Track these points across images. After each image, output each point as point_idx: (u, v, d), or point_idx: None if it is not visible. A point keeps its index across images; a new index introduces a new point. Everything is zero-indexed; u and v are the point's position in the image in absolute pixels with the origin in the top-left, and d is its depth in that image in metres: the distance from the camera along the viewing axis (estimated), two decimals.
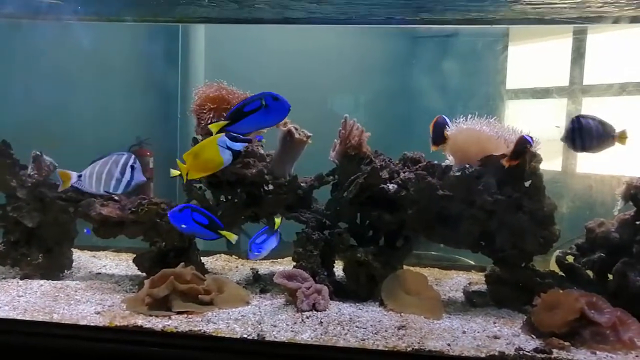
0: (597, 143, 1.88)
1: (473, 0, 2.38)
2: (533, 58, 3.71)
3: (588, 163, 3.28)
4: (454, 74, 3.64)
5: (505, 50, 3.65)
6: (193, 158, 1.83)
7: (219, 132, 1.83)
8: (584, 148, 1.91)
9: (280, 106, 1.82)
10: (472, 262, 2.77)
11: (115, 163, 1.85)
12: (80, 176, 1.87)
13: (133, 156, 1.86)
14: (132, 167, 1.85)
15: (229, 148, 1.80)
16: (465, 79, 3.66)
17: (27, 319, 1.74)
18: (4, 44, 3.26)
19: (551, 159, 3.22)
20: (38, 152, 2.24)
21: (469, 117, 2.08)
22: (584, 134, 1.88)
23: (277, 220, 2.03)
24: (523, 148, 1.90)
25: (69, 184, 1.89)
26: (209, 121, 2.07)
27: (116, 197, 2.11)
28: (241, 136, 1.83)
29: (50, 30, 3.16)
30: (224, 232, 1.93)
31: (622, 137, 1.87)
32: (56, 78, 3.41)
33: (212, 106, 2.09)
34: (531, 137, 1.92)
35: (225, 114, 2.06)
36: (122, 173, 1.84)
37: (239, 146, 1.82)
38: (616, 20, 2.45)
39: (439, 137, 2.04)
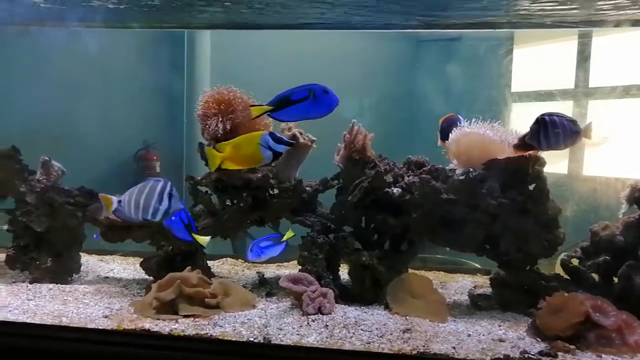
0: (564, 140, 1.88)
1: (477, 4, 2.39)
2: (538, 61, 3.71)
3: (595, 166, 3.27)
4: (458, 78, 3.65)
5: (510, 54, 3.65)
6: (232, 149, 1.81)
7: (260, 115, 1.81)
8: (550, 146, 1.90)
9: (329, 100, 1.78)
10: (478, 266, 2.77)
11: (152, 190, 1.83)
12: (120, 202, 1.85)
13: (169, 183, 1.83)
14: (170, 195, 1.82)
15: (270, 148, 1.79)
16: (469, 83, 3.67)
17: (37, 322, 1.76)
18: (12, 50, 3.31)
19: (557, 162, 3.21)
20: (47, 158, 2.26)
21: (473, 120, 2.09)
22: (549, 132, 1.87)
23: (289, 233, 2.04)
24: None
25: (110, 209, 1.86)
26: (215, 126, 2.08)
27: None
28: (284, 138, 1.81)
29: (58, 36, 3.20)
30: (196, 236, 1.95)
31: (587, 131, 1.87)
32: (64, 84, 3.45)
33: (215, 111, 2.10)
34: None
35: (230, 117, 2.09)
36: (160, 201, 1.82)
37: (280, 148, 1.80)
38: (620, 24, 2.45)
39: (447, 134, 2.05)
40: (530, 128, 1.90)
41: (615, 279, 1.91)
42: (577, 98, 3.34)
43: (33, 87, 3.34)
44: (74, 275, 2.35)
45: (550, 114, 1.88)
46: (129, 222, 1.96)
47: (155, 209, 1.82)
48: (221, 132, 2.09)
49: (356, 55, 4.10)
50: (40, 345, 1.74)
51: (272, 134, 1.81)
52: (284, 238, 2.14)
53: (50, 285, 2.17)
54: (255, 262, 2.36)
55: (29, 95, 3.30)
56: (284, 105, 1.78)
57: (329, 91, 1.77)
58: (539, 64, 3.72)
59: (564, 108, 3.44)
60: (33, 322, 1.76)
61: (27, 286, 2.16)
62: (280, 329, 1.72)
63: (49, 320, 1.77)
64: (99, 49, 3.38)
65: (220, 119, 2.09)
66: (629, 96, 2.96)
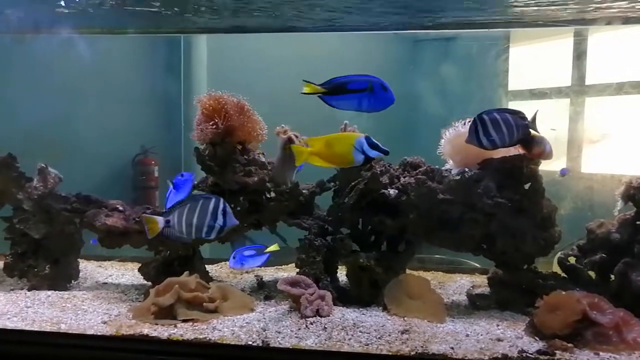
0: (509, 135, 1.84)
1: (473, 4, 2.40)
2: (534, 59, 3.72)
3: (593, 164, 3.28)
4: (455, 77, 3.65)
5: (506, 52, 3.66)
6: (324, 145, 1.78)
7: (311, 93, 1.75)
8: (494, 144, 1.85)
9: (386, 97, 1.74)
10: (477, 265, 2.77)
11: (204, 209, 1.77)
12: (168, 222, 1.77)
13: (222, 200, 1.78)
14: (224, 212, 1.77)
15: (364, 152, 1.74)
16: (466, 82, 3.68)
17: (36, 329, 1.77)
18: (8, 56, 3.31)
19: (555, 160, 3.22)
20: (43, 165, 2.27)
21: (469, 120, 2.09)
22: (489, 130, 1.83)
23: (275, 246, 2.04)
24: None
25: (156, 231, 1.78)
26: (212, 127, 2.08)
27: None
28: (381, 145, 1.76)
29: (54, 43, 3.21)
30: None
31: (533, 122, 1.86)
32: (60, 90, 3.45)
33: (209, 114, 2.10)
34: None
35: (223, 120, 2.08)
36: (215, 219, 1.76)
37: (374, 154, 1.75)
38: (609, 22, 2.46)
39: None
40: (469, 128, 1.87)
41: (612, 277, 1.91)
42: (573, 96, 3.35)
43: (29, 93, 3.34)
44: (72, 282, 2.35)
45: (489, 112, 1.84)
46: (181, 241, 1.89)
47: (210, 227, 1.77)
48: (210, 135, 2.09)
49: (352, 57, 4.10)
50: (39, 352, 1.75)
51: (368, 138, 1.75)
52: (267, 250, 2.16)
53: (49, 292, 2.18)
54: (236, 270, 2.36)
55: (26, 102, 3.31)
56: (339, 91, 1.73)
57: (388, 88, 1.73)
58: (535, 62, 3.72)
59: (560, 106, 3.45)
60: (32, 329, 1.77)
61: (25, 293, 2.16)
62: (279, 332, 1.72)
63: (47, 327, 1.77)
64: (96, 55, 3.39)
65: (214, 122, 2.08)
66: (623, 93, 2.97)
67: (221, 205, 1.77)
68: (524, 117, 1.85)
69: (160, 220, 1.77)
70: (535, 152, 1.93)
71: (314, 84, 1.75)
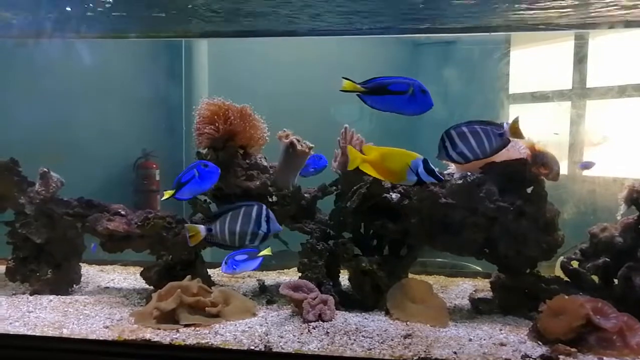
0: (481, 147, 1.78)
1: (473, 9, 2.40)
2: (535, 62, 3.72)
3: (595, 166, 3.27)
4: (456, 81, 3.66)
5: (507, 56, 3.66)
6: (379, 156, 1.76)
7: (349, 91, 1.73)
8: (466, 157, 1.80)
9: (425, 101, 1.70)
10: (480, 269, 2.77)
11: (247, 216, 1.76)
12: (210, 230, 1.77)
13: (264, 206, 1.77)
14: (268, 218, 1.76)
15: (417, 174, 1.71)
16: (467, 85, 3.68)
17: (38, 334, 1.76)
18: (10, 60, 3.32)
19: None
20: (45, 169, 2.27)
21: None
22: (458, 145, 1.78)
23: (267, 251, 2.04)
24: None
25: (199, 239, 1.78)
26: (206, 130, 2.08)
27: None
28: (437, 171, 1.73)
29: (56, 48, 3.21)
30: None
31: (513, 128, 1.77)
32: (63, 95, 3.46)
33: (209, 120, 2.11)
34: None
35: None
36: (258, 226, 1.75)
37: (427, 179, 1.72)
38: (611, 26, 2.46)
39: None
40: (438, 145, 1.83)
41: (615, 281, 1.91)
42: (574, 99, 3.35)
43: (32, 98, 3.35)
44: (75, 286, 2.35)
45: (457, 125, 1.79)
46: (224, 248, 1.88)
47: (254, 234, 1.76)
48: (208, 138, 2.08)
49: (353, 61, 4.10)
50: (42, 357, 1.75)
51: (425, 162, 1.72)
52: (261, 254, 2.15)
53: (51, 297, 2.18)
54: (228, 274, 2.35)
55: (28, 106, 3.31)
56: (379, 92, 1.71)
57: (427, 92, 1.70)
58: (536, 66, 3.72)
59: (562, 109, 3.45)
60: (34, 334, 1.76)
61: (27, 298, 2.16)
62: (281, 337, 1.72)
63: (49, 332, 1.77)
64: (97, 59, 3.40)
65: (214, 126, 2.09)
66: (625, 96, 2.96)
67: (264, 212, 1.76)
68: (498, 128, 1.79)
69: (202, 228, 1.77)
70: (542, 171, 1.92)
71: (354, 82, 1.73)
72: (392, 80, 1.71)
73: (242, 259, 1.98)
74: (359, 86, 1.71)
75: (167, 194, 1.89)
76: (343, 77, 1.73)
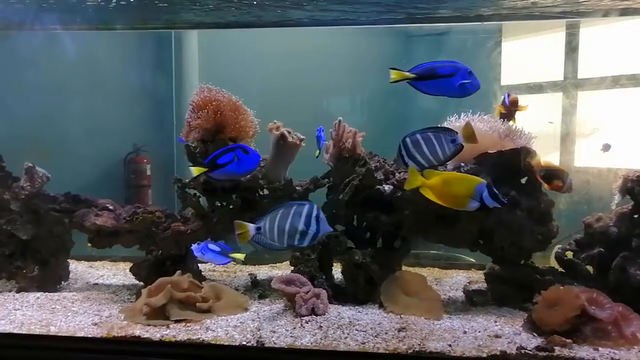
0: (433, 155, 1.81)
1: None
2: (527, 53, 3.70)
3: (586, 157, 3.27)
4: None
5: (498, 47, 3.64)
6: (441, 181, 1.74)
7: (399, 80, 1.74)
8: (421, 164, 1.83)
9: (472, 82, 1.73)
10: (473, 260, 2.76)
11: (297, 215, 1.71)
12: (259, 229, 1.73)
13: (315, 206, 1.73)
14: (318, 218, 1.71)
15: (481, 200, 1.70)
16: None
17: (24, 332, 1.73)
18: None
19: (548, 154, 3.21)
20: (30, 164, 2.22)
21: (463, 114, 2.07)
22: (411, 152, 1.82)
23: (239, 256, 2.01)
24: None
25: (248, 237, 1.74)
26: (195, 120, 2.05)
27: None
28: (500, 196, 1.72)
29: (40, 39, 3.15)
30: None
31: (466, 134, 1.78)
32: (48, 88, 3.39)
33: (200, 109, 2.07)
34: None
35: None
36: (307, 225, 1.70)
37: (491, 203, 1.71)
38: (607, 14, 2.44)
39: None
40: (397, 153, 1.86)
41: (610, 271, 1.90)
42: (566, 89, 3.34)
43: (15, 91, 3.28)
44: (62, 283, 2.31)
45: (412, 133, 1.82)
46: (272, 248, 1.82)
47: (303, 233, 1.71)
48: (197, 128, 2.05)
49: (345, 53, 4.07)
50: (28, 356, 1.71)
51: (489, 187, 1.71)
52: (232, 255, 2.15)
53: (38, 294, 2.13)
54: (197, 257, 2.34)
55: (11, 100, 3.24)
56: (428, 76, 1.73)
57: (473, 74, 1.73)
58: (527, 57, 3.71)
59: (554, 100, 3.44)
60: (20, 332, 1.73)
61: (13, 295, 2.12)
62: (274, 332, 1.69)
63: (36, 330, 1.73)
64: (84, 51, 3.34)
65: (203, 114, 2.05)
66: (618, 86, 2.96)
67: (314, 212, 1.71)
68: (451, 134, 1.81)
69: (251, 227, 1.73)
70: (554, 184, 1.91)
71: (401, 71, 1.75)
72: (439, 63, 1.75)
73: (214, 250, 1.96)
74: (407, 73, 1.74)
75: (197, 171, 1.88)
76: (390, 68, 1.76)
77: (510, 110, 2.05)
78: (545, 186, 1.92)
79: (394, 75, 1.75)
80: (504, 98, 2.02)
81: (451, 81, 1.73)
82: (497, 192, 1.71)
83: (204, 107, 2.08)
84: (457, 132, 1.80)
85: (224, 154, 1.87)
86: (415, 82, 1.75)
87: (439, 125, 1.86)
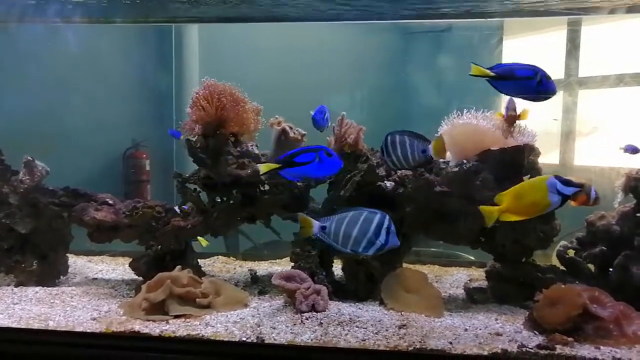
0: (405, 158, 1.83)
1: None
2: (528, 51, 3.69)
3: (586, 156, 3.27)
4: (448, 69, 3.62)
5: (500, 44, 3.63)
6: (513, 199, 1.69)
7: (478, 76, 1.74)
8: (394, 164, 1.86)
9: (549, 87, 1.73)
10: (473, 258, 2.75)
11: (368, 222, 1.65)
12: (324, 228, 1.68)
13: (388, 216, 1.68)
14: (388, 230, 1.66)
15: (559, 192, 1.64)
16: (460, 74, 3.64)
17: (23, 326, 1.71)
18: None
19: (549, 152, 3.20)
20: (30, 158, 2.21)
21: (465, 111, 2.06)
22: (389, 149, 1.84)
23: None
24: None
25: (310, 234, 1.71)
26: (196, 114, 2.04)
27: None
28: (573, 180, 1.68)
29: (40, 33, 3.13)
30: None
31: (436, 148, 1.80)
32: (47, 81, 3.37)
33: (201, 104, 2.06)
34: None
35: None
36: (377, 235, 1.65)
37: (570, 190, 1.65)
38: (611, 11, 2.43)
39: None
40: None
41: (612, 269, 1.89)
42: (567, 88, 3.33)
43: (14, 86, 3.26)
44: (61, 277, 2.30)
45: (393, 132, 1.84)
46: (331, 248, 1.79)
47: (370, 242, 1.66)
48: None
49: (346, 49, 4.05)
50: (27, 351, 1.70)
51: (558, 177, 1.66)
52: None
53: (37, 288, 2.12)
54: None
55: (11, 94, 3.22)
56: (507, 77, 1.73)
57: (551, 79, 1.73)
58: (528, 55, 3.70)
59: (555, 98, 3.43)
60: (19, 326, 1.72)
61: (12, 290, 2.10)
62: (274, 328, 1.68)
63: (35, 325, 1.72)
64: (84, 45, 3.32)
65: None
66: (622, 85, 2.95)
67: (386, 223, 1.66)
68: (424, 144, 1.82)
69: (316, 224, 1.70)
70: (579, 199, 1.89)
71: (482, 67, 1.75)
72: (519, 66, 1.75)
73: None
74: (487, 71, 1.75)
75: (266, 167, 1.83)
76: (472, 63, 1.76)
77: (511, 118, 2.03)
78: (572, 203, 1.90)
79: (474, 70, 1.76)
80: (506, 108, 2.01)
81: (528, 84, 1.73)
82: (567, 178, 1.67)
83: (206, 100, 2.07)
84: (430, 142, 1.82)
85: (304, 153, 1.81)
86: (494, 80, 1.75)
87: (419, 133, 1.86)
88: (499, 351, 1.52)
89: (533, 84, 1.72)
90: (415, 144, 1.82)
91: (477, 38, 3.57)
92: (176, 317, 1.75)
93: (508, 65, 1.75)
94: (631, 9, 2.29)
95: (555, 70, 3.41)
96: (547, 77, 1.72)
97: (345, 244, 1.67)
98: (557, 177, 1.66)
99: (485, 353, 1.52)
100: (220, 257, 2.75)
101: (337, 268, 2.19)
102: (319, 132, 2.10)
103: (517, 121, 2.01)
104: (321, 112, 2.04)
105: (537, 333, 1.66)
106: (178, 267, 1.98)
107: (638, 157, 2.34)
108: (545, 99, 1.75)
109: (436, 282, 2.32)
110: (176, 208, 2.16)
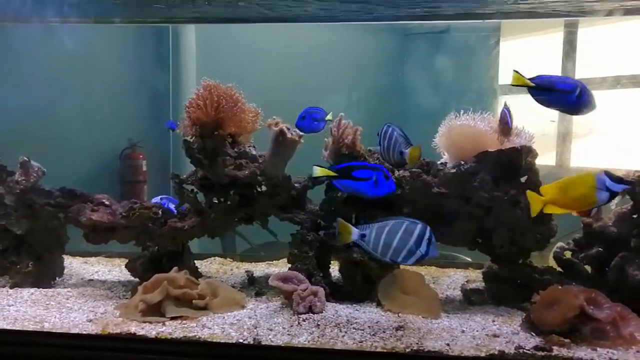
0: (392, 154, 1.87)
1: None
2: (525, 53, 3.70)
3: (583, 157, 3.28)
4: (446, 70, 3.63)
5: (497, 46, 3.64)
6: (559, 191, 1.68)
7: (518, 85, 1.76)
8: (383, 156, 1.91)
9: (589, 102, 1.75)
10: (469, 259, 2.75)
11: (409, 233, 1.66)
12: (363, 235, 1.69)
13: (428, 227, 1.68)
14: (429, 241, 1.66)
15: (608, 189, 1.64)
16: (457, 75, 3.65)
17: (18, 328, 1.70)
18: None
19: (545, 154, 3.21)
20: (25, 158, 2.19)
21: (462, 113, 2.07)
22: (381, 140, 1.89)
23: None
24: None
25: (348, 240, 1.71)
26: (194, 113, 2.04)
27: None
28: (625, 178, 1.69)
29: (38, 32, 3.12)
30: None
31: (411, 157, 1.83)
32: (44, 81, 3.36)
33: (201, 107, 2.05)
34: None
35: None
36: (417, 245, 1.65)
37: (619, 188, 1.65)
38: (609, 13, 2.44)
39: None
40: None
41: (609, 271, 1.89)
42: None
43: (10, 85, 3.25)
44: (57, 279, 2.28)
45: (390, 124, 1.89)
46: (370, 256, 1.82)
47: (410, 252, 1.66)
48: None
49: (344, 50, 4.06)
50: (22, 353, 1.69)
51: (608, 174, 1.65)
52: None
53: (32, 290, 2.11)
54: None
55: (7, 93, 3.21)
56: (547, 88, 1.75)
57: (592, 95, 1.74)
58: (525, 57, 3.71)
59: None
60: (14, 328, 1.70)
61: (7, 291, 2.09)
62: (271, 330, 1.68)
63: (30, 326, 1.71)
64: (81, 45, 3.31)
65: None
66: (618, 87, 2.96)
67: (427, 234, 1.66)
68: (405, 146, 1.85)
69: (355, 231, 1.70)
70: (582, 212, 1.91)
71: (523, 77, 1.76)
72: (560, 79, 1.77)
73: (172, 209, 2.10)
74: (528, 81, 1.76)
75: (322, 172, 1.84)
76: (514, 70, 1.77)
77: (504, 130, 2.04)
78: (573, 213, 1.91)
79: (514, 78, 1.77)
80: (501, 114, 2.01)
81: (568, 97, 1.74)
82: (618, 176, 1.66)
83: (203, 101, 2.06)
84: (409, 147, 1.85)
85: (363, 169, 1.83)
86: (533, 90, 1.76)
87: (407, 136, 1.89)
88: (496, 353, 1.52)
89: (572, 97, 1.72)
90: (399, 142, 1.85)
91: (475, 39, 3.58)
92: (173, 318, 1.75)
93: (549, 77, 1.76)
94: (628, 11, 2.29)
95: (552, 72, 3.42)
96: (587, 92, 1.73)
97: (384, 253, 1.68)
98: (607, 173, 1.65)
99: (483, 354, 1.52)
100: (217, 258, 2.74)
101: (334, 269, 2.19)
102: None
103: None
104: (304, 119, 2.06)
105: (534, 334, 1.66)
106: (175, 268, 1.97)
107: (634, 159, 2.35)
108: (585, 113, 1.75)
109: (433, 283, 2.32)
110: (172, 206, 2.16)
